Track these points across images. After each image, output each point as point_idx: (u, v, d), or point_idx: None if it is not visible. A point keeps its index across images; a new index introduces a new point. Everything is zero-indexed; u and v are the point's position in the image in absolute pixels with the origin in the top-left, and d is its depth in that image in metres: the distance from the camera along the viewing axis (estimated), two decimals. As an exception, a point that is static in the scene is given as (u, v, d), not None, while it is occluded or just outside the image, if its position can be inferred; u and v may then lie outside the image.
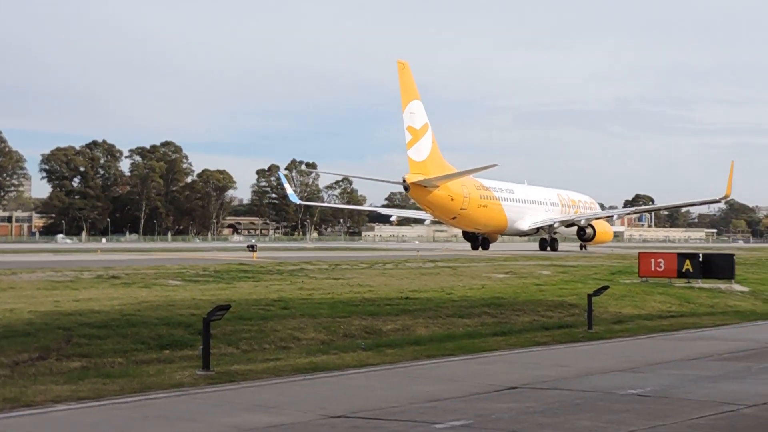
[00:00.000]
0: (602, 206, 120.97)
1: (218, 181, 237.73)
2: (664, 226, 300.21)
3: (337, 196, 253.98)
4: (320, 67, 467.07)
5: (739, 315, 32.85)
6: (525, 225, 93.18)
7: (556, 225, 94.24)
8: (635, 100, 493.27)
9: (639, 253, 44.29)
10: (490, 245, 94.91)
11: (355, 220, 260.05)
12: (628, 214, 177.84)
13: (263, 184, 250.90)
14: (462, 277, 41.80)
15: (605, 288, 29.94)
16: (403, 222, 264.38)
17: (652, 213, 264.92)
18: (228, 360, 20.01)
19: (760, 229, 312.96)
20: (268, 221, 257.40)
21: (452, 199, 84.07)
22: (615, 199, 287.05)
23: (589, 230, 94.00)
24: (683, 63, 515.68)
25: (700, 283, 40.17)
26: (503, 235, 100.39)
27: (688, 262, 40.77)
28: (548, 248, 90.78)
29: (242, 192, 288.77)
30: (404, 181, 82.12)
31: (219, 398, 15.42)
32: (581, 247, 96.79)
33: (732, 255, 44.11)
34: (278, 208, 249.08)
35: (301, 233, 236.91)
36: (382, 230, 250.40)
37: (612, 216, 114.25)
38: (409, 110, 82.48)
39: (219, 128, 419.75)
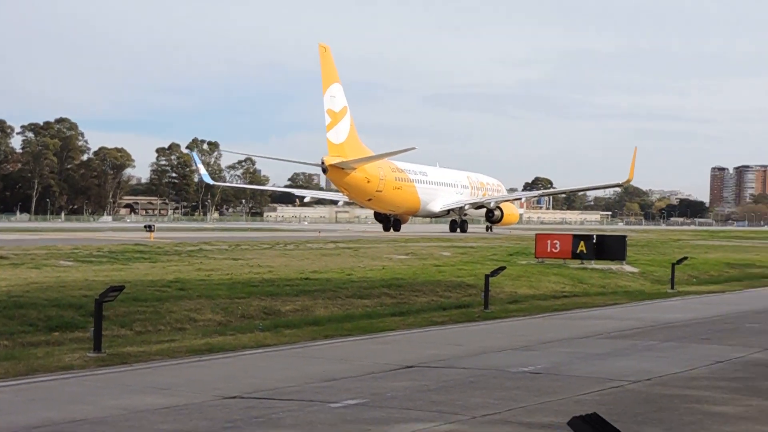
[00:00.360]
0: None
1: (115, 159, 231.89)
2: (561, 209, 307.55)
3: (239, 176, 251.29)
4: (223, 43, 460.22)
5: (629, 295, 33.90)
6: (437, 207, 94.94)
7: (466, 207, 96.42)
8: (537, 84, 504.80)
9: (536, 234, 45.24)
10: (401, 227, 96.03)
11: (257, 201, 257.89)
12: (535, 196, 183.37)
13: (163, 162, 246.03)
14: (363, 258, 41.94)
15: (502, 269, 30.49)
16: (306, 203, 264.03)
17: (550, 198, 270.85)
18: (121, 342, 19.60)
19: (653, 213, 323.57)
20: (167, 201, 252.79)
21: (368, 181, 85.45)
22: (515, 181, 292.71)
23: (497, 212, 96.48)
24: (585, 49, 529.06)
25: (593, 264, 41.28)
26: (415, 216, 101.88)
27: (582, 243, 41.80)
28: (458, 230, 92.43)
29: (141, 171, 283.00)
30: (323, 162, 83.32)
31: (109, 380, 15.09)
32: (487, 228, 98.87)
33: (624, 237, 45.38)
34: (178, 188, 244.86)
35: (201, 214, 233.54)
36: (284, 211, 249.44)
37: (520, 198, 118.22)
38: (329, 93, 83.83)
39: (117, 105, 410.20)
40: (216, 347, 19.03)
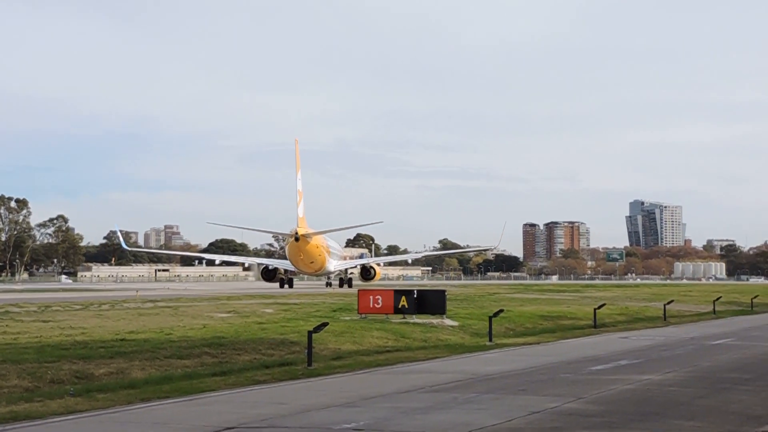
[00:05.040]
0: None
1: None
2: (385, 264, 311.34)
3: (51, 234, 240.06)
4: (28, 94, 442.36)
5: (449, 348, 34.55)
6: (332, 267, 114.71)
7: (358, 267, 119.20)
8: (355, 143, 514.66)
9: (358, 290, 45.51)
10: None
11: (70, 260, 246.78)
12: (419, 257, 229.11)
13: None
14: (183, 317, 40.84)
15: (325, 325, 30.39)
16: (122, 262, 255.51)
17: (373, 251, 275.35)
18: None
19: (471, 267, 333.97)
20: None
21: (317, 248, 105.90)
22: (336, 239, 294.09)
23: (372, 271, 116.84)
24: (399, 108, 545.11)
25: (414, 319, 41.88)
26: (318, 275, 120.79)
27: (404, 298, 42.32)
28: (345, 285, 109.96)
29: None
30: (296, 233, 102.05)
31: None
32: (341, 284, 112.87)
33: (443, 291, 46.30)
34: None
35: (9, 274, 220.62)
36: (100, 270, 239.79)
37: (407, 260, 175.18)
38: (298, 178, 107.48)
39: None
40: (21, 415, 17.82)
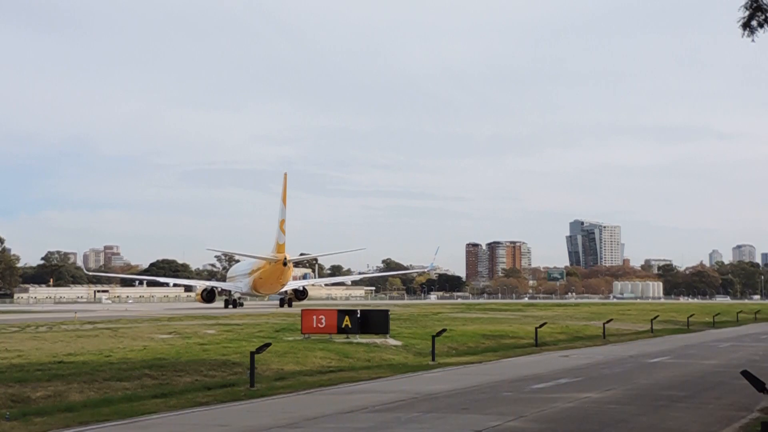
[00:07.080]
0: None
1: None
2: (327, 285, 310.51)
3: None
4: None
5: (393, 368, 34.57)
6: (284, 288, 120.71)
7: (302, 288, 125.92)
8: (298, 162, 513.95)
9: (302, 310, 45.36)
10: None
11: (6, 281, 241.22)
12: (361, 279, 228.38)
13: None
14: (123, 338, 40.26)
15: (267, 345, 30.21)
16: (60, 283, 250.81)
17: (317, 272, 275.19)
18: None
19: (414, 287, 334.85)
20: None
21: (290, 270, 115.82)
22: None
23: (305, 292, 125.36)
24: (342, 128, 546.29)
25: (358, 338, 41.86)
26: (274, 295, 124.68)
27: (347, 318, 42.31)
28: (286, 305, 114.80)
29: None
30: (285, 258, 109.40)
31: None
32: (282, 304, 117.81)
33: (387, 311, 46.41)
34: None
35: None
36: (37, 291, 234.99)
37: (344, 282, 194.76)
38: (285, 208, 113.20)
39: None
40: (-46, 441, 17.40)
